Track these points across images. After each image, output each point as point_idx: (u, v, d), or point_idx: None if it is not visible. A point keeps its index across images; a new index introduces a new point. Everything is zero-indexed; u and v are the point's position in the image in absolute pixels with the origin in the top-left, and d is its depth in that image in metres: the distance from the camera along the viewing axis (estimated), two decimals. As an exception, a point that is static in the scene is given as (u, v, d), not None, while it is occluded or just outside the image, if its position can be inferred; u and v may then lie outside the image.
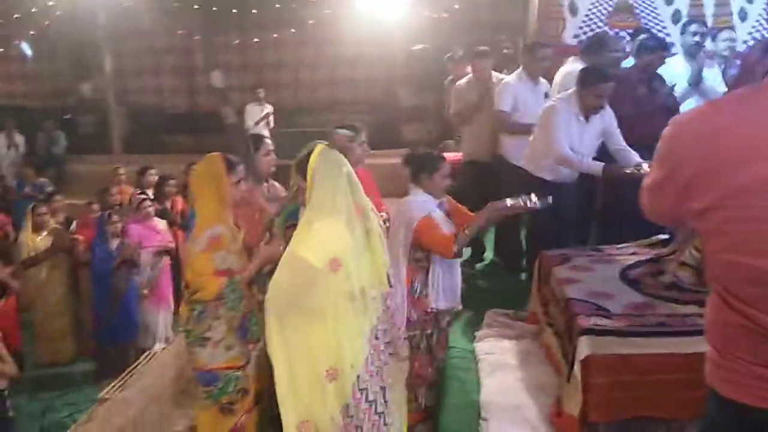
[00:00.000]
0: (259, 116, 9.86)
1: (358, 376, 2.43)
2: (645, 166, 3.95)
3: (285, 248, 2.65)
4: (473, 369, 3.70)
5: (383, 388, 2.56)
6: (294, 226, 2.75)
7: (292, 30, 11.39)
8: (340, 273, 2.38)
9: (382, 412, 2.55)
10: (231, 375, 2.73)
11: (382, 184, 3.95)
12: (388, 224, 3.52)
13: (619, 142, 4.30)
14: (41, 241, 5.83)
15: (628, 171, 3.99)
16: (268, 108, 10.09)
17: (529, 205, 3.26)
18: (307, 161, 2.50)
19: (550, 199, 3.29)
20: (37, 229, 5.86)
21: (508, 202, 3.28)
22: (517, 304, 4.55)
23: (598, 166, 4.12)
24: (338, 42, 11.15)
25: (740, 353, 1.39)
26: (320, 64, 11.53)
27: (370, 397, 2.48)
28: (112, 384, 4.57)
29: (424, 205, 3.25)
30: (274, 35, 11.46)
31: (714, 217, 1.36)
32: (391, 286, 2.69)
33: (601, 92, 4.11)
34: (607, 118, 4.27)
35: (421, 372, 3.32)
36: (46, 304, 5.92)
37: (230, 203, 2.78)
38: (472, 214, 3.44)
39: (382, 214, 3.61)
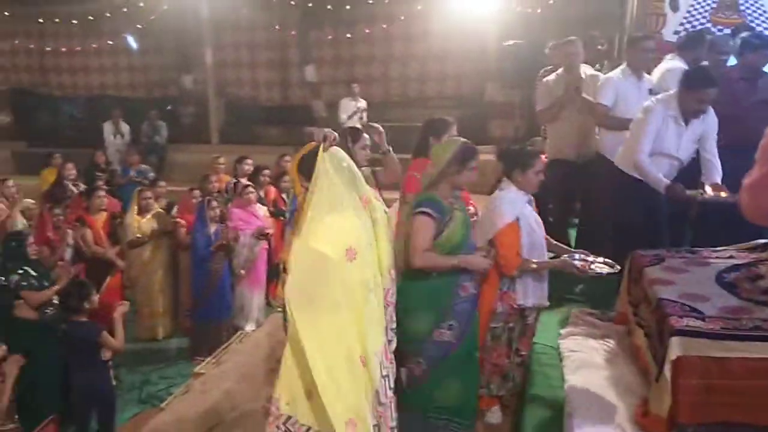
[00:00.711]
0: (352, 111, 10.07)
1: (380, 363, 2.50)
2: (708, 190, 3.87)
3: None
4: (558, 365, 3.69)
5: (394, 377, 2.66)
6: (424, 213, 2.92)
7: (384, 25, 11.53)
8: (356, 262, 2.44)
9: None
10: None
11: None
12: (475, 218, 3.57)
13: (711, 149, 4.15)
14: (146, 223, 6.19)
15: (690, 193, 3.88)
16: (362, 103, 10.30)
17: (598, 271, 3.34)
18: (310, 161, 2.54)
19: (617, 267, 3.40)
20: (142, 212, 6.23)
21: (578, 263, 3.36)
22: (602, 305, 4.50)
23: (662, 183, 3.99)
24: (428, 37, 11.21)
25: None
26: (410, 59, 11.62)
27: (391, 384, 2.58)
28: (207, 360, 4.85)
29: (513, 204, 3.27)
30: (366, 30, 11.63)
31: None
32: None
33: (704, 97, 3.94)
34: (708, 123, 4.13)
35: (498, 362, 3.37)
36: (148, 283, 6.28)
37: None
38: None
39: (469, 208, 3.66)
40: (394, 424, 2.62)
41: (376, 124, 3.91)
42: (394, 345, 2.68)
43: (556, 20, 9.50)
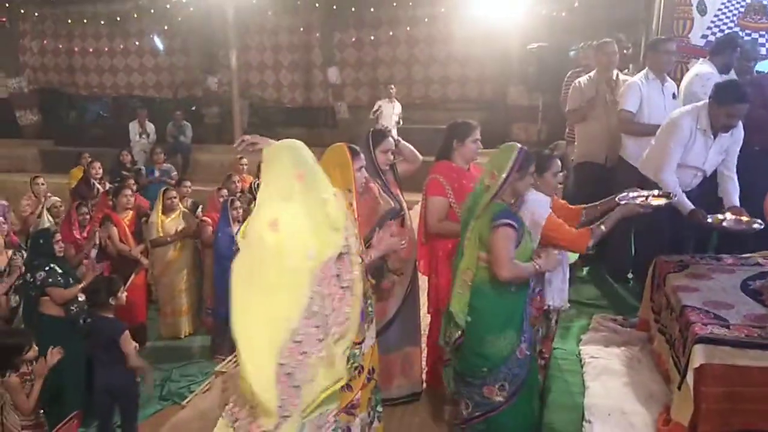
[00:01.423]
0: (390, 113, 10.08)
1: (293, 329, 2.46)
2: (729, 216, 3.82)
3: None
4: (578, 371, 3.67)
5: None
6: (508, 225, 2.81)
7: (407, 28, 11.55)
8: (280, 233, 2.43)
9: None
10: (349, 353, 2.87)
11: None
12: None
13: (731, 166, 4.10)
14: (170, 222, 6.25)
15: (709, 221, 3.83)
16: (398, 106, 10.29)
17: (656, 203, 3.33)
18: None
19: (674, 195, 3.43)
20: (167, 211, 6.28)
21: (639, 199, 3.32)
22: (625, 310, 4.47)
23: (686, 207, 3.91)
24: (451, 40, 11.23)
25: None
26: (433, 61, 11.64)
27: (304, 349, 2.49)
28: (229, 359, 4.88)
29: (542, 204, 3.25)
30: (390, 33, 11.67)
31: None
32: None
33: (735, 112, 3.85)
34: (735, 136, 4.06)
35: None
36: (171, 282, 6.34)
37: (355, 189, 2.92)
38: (572, 207, 3.45)
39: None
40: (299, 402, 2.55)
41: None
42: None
43: (580, 24, 9.47)
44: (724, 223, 3.78)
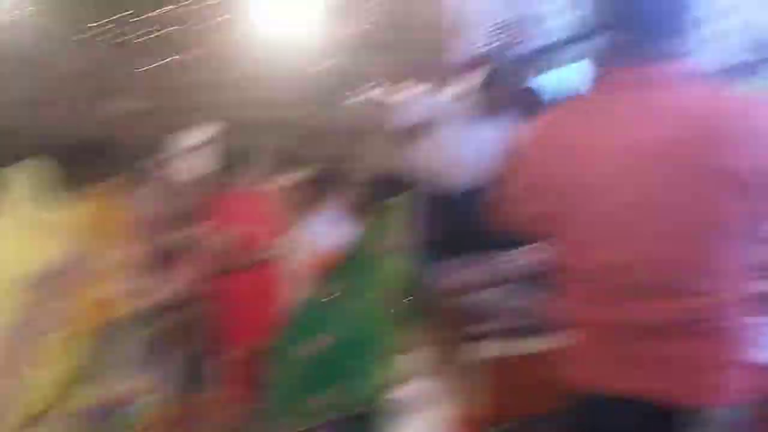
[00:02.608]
0: (196, 141, 9.48)
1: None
2: None
3: None
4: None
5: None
6: None
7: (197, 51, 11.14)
8: None
9: None
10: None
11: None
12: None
13: None
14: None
15: None
16: (208, 133, 9.76)
17: None
18: None
19: None
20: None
21: None
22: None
23: None
24: (244, 62, 10.98)
25: None
26: (226, 85, 11.34)
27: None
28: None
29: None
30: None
31: None
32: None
33: None
34: None
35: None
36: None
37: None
38: None
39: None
40: None
41: None
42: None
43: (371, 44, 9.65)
44: None
